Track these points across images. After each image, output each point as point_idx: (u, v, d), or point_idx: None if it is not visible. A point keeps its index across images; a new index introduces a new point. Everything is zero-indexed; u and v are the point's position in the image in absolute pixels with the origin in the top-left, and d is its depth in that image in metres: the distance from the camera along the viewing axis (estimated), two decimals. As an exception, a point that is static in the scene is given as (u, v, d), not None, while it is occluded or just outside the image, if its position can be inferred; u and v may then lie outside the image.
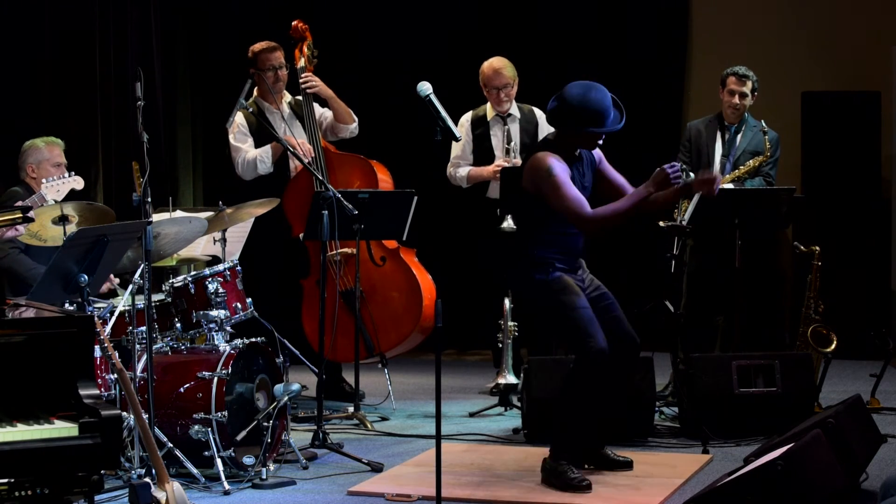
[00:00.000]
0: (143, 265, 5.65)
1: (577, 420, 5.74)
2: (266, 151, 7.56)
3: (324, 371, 6.69)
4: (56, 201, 5.44)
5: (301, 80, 7.69)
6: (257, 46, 7.67)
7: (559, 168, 5.65)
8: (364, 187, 7.53)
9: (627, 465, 5.94)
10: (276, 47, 7.67)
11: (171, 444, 5.71)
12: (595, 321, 5.70)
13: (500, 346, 7.40)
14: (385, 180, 7.69)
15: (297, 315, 7.65)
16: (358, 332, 7.14)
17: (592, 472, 5.84)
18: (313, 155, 7.50)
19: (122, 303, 5.88)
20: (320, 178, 6.87)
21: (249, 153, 7.57)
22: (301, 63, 7.74)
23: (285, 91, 7.75)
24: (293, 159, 7.51)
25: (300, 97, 7.72)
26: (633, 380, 6.55)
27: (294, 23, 7.81)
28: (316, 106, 7.76)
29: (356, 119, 7.84)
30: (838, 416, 5.19)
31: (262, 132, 7.50)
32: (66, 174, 5.41)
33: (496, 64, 7.67)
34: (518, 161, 7.45)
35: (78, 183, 5.37)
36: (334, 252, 7.40)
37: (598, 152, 5.95)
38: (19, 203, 5.46)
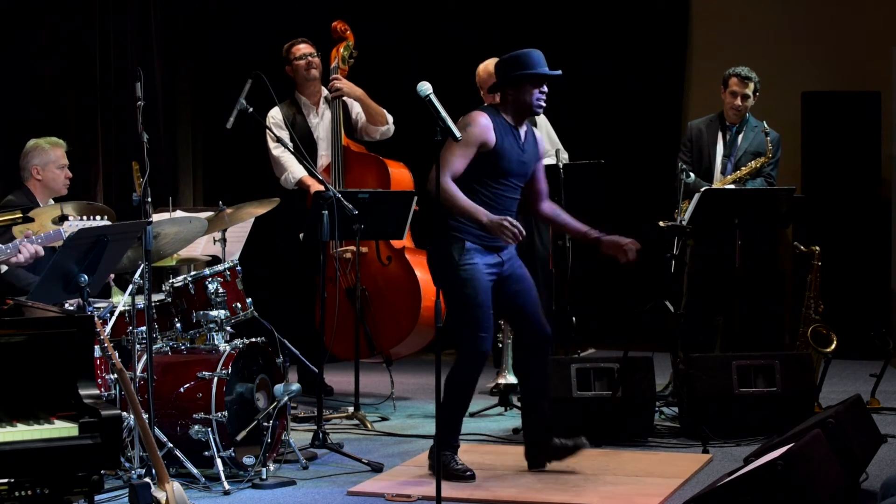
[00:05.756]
0: (143, 265, 5.65)
1: (458, 413, 5.82)
2: (297, 176, 7.59)
3: (323, 370, 6.70)
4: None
5: (330, 83, 7.73)
6: (286, 44, 7.81)
7: (477, 130, 5.69)
8: (376, 186, 7.55)
9: (576, 448, 5.89)
10: (302, 39, 7.81)
11: (171, 444, 5.70)
12: (489, 321, 5.73)
13: (500, 346, 7.39)
14: (399, 177, 7.67)
15: (310, 311, 7.65)
16: (357, 331, 7.14)
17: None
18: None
19: (123, 303, 5.87)
20: (320, 178, 6.85)
21: (290, 172, 7.60)
22: (334, 63, 7.77)
23: (323, 87, 7.79)
24: (319, 157, 7.67)
25: None
26: (633, 379, 6.56)
27: (334, 24, 7.88)
28: (355, 104, 7.79)
29: (390, 121, 7.83)
30: (838, 416, 5.19)
31: (296, 126, 7.60)
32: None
33: (491, 66, 7.65)
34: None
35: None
36: (344, 249, 7.42)
37: (542, 147, 6.00)
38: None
